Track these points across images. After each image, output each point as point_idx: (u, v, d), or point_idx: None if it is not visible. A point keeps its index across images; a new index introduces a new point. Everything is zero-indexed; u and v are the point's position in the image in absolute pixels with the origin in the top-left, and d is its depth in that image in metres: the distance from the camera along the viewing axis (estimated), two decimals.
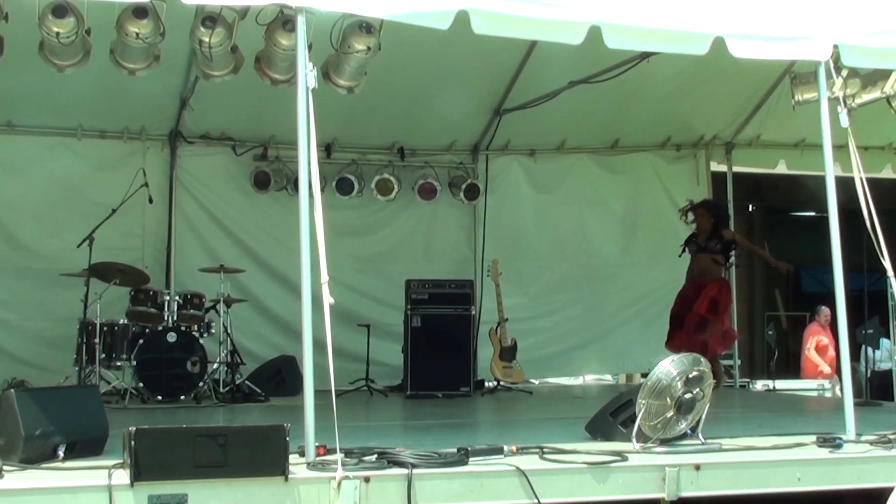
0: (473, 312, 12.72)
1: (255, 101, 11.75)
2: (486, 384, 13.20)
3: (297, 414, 6.68)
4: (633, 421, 7.10)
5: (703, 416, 7.29)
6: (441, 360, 12.30)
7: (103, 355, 11.41)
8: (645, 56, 10.44)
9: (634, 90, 12.16)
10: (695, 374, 7.13)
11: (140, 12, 8.03)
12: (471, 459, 6.44)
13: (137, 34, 8.17)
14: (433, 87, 12.22)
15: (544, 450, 6.77)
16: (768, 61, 8.37)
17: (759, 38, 7.83)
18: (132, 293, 11.79)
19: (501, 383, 12.97)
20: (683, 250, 13.14)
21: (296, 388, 11.40)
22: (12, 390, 6.93)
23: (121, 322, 11.61)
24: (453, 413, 10.85)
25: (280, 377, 12.19)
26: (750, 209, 21.20)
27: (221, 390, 11.67)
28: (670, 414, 7.11)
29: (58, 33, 8.03)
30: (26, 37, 8.43)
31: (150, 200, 12.26)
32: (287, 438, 6.11)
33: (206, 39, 8.33)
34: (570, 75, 11.70)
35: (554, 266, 14.25)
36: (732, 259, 13.17)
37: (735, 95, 13.20)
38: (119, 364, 11.59)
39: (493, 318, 13.01)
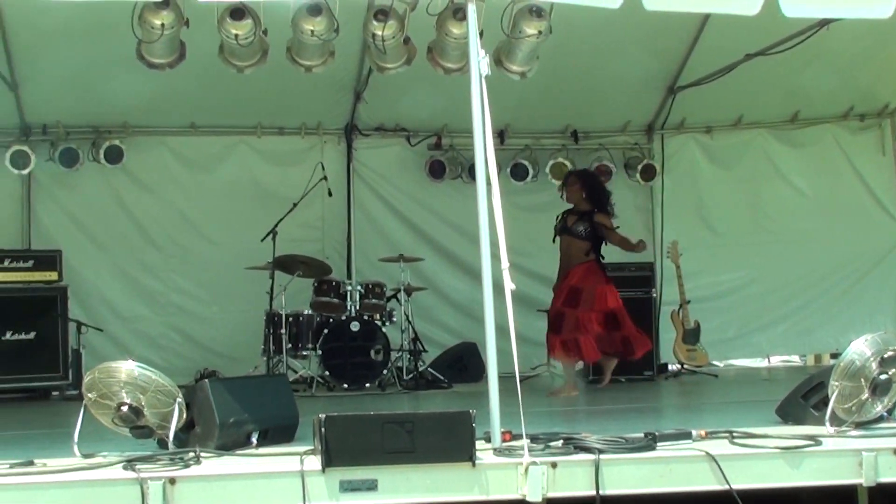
0: (654, 295, 12.60)
1: (427, 91, 11.83)
2: (670, 368, 13.05)
3: (481, 400, 6.71)
4: (826, 404, 6.89)
5: None
6: None
7: (290, 345, 11.74)
8: (824, 23, 10.13)
9: (813, 59, 11.78)
10: (890, 354, 6.88)
11: (314, 10, 8.16)
12: (658, 444, 6.36)
13: (312, 31, 8.31)
14: (605, 68, 12.12)
15: (734, 434, 6.63)
16: None
17: None
18: (315, 284, 12.07)
19: (685, 366, 12.81)
20: (556, 234, 11.09)
21: (478, 374, 11.53)
22: (207, 380, 7.16)
23: (305, 312, 11.92)
24: (637, 397, 10.74)
25: (462, 363, 12.30)
26: None
27: (405, 377, 11.85)
28: (865, 396, 6.89)
29: (236, 35, 8.25)
30: (206, 41, 8.67)
31: (330, 193, 12.55)
32: (473, 424, 6.14)
33: (379, 32, 8.43)
34: (745, 48, 11.45)
35: (735, 245, 13.93)
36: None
37: None
38: (305, 353, 11.91)
39: (674, 299, 12.87)
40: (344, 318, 11.84)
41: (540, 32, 8.34)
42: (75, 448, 6.60)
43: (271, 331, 11.75)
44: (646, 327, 12.17)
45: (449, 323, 13.34)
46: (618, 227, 10.95)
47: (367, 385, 11.57)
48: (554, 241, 11.09)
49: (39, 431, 9.03)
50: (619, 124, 13.80)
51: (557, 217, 11.12)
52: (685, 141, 14.00)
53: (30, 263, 11.64)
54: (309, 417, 6.57)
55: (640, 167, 13.60)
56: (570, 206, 11.00)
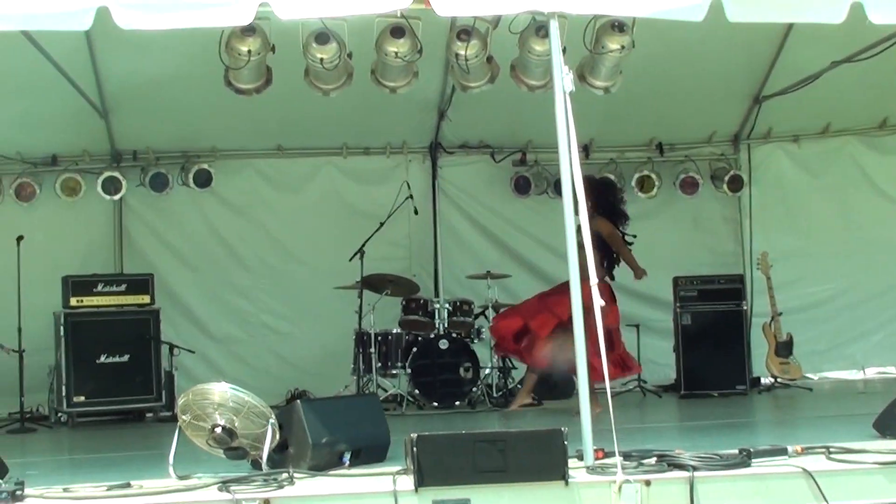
0: (745, 307, 12.44)
1: (511, 108, 11.83)
2: (763, 381, 12.86)
3: (570, 417, 6.71)
4: None
5: None
6: (714, 358, 12.07)
7: (379, 364, 11.80)
8: None
9: None
10: None
11: (397, 32, 8.23)
12: (753, 461, 6.32)
13: (396, 53, 8.39)
14: (689, 80, 12.03)
15: (831, 449, 6.56)
16: None
17: None
18: (403, 302, 12.14)
19: (778, 380, 12.62)
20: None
21: (568, 390, 11.48)
22: (299, 401, 7.24)
23: (394, 331, 11.97)
24: (730, 412, 10.64)
25: (552, 380, 12.24)
26: None
27: (494, 395, 11.85)
28: None
29: (321, 59, 8.36)
30: (292, 64, 8.78)
31: (416, 212, 12.63)
32: (565, 442, 6.15)
33: (462, 52, 8.48)
34: (831, 55, 11.28)
35: (826, 255, 13.67)
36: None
37: None
38: (394, 372, 11.94)
39: (765, 312, 12.72)
40: (432, 335, 11.87)
41: (623, 47, 8.35)
42: (171, 470, 6.70)
43: (361, 350, 11.81)
44: (737, 340, 12.10)
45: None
46: (632, 243, 10.91)
47: (457, 403, 11.59)
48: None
49: (135, 453, 9.17)
50: (704, 135, 13.67)
51: None
52: (772, 150, 13.83)
53: (123, 287, 11.81)
54: (399, 436, 6.62)
55: (727, 178, 13.45)
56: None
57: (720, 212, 13.86)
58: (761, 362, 12.61)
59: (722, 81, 12.37)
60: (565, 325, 9.70)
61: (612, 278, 10.73)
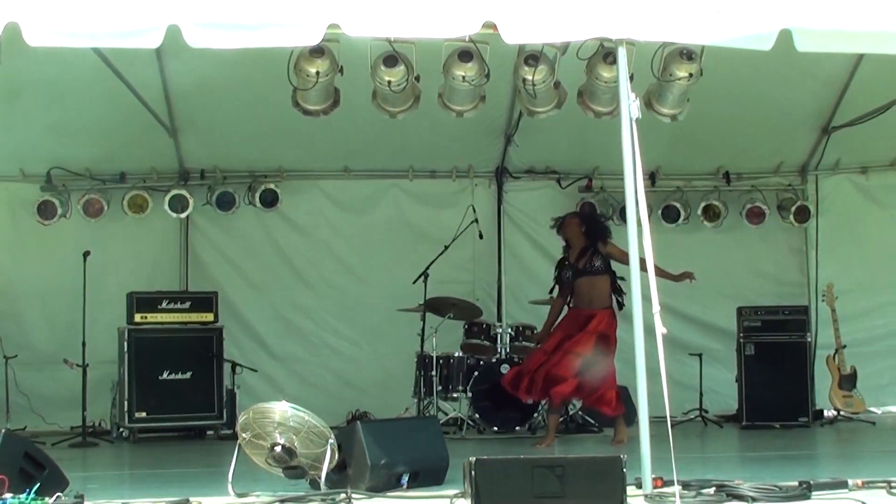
0: (809, 339, 12.34)
1: (577, 134, 11.83)
2: (826, 414, 12.72)
3: (632, 444, 6.70)
4: None
5: None
6: (777, 389, 11.94)
7: (440, 387, 11.79)
8: None
9: None
10: None
11: (465, 56, 8.27)
12: (813, 493, 6.26)
13: (463, 77, 8.41)
14: (757, 109, 11.95)
15: (892, 484, 6.48)
16: None
17: None
18: (466, 326, 12.14)
19: (841, 413, 12.48)
20: (554, 285, 11.13)
21: (629, 418, 11.39)
22: (359, 422, 7.28)
23: (456, 355, 11.97)
24: (791, 444, 10.54)
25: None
26: None
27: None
28: None
29: (389, 82, 8.41)
30: (360, 86, 8.84)
31: (480, 236, 12.64)
32: (624, 470, 6.12)
33: (530, 77, 8.50)
34: None
35: (892, 287, 13.45)
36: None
37: None
38: (455, 395, 11.93)
39: (829, 344, 12.58)
40: (494, 360, 11.86)
41: (690, 75, 8.33)
42: (230, 487, 6.75)
43: (422, 372, 11.83)
44: (800, 372, 11.99)
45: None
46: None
47: (517, 428, 11.57)
48: (551, 293, 11.29)
49: (195, 470, 9.25)
50: (772, 165, 13.56)
51: (558, 268, 11.08)
52: (840, 182, 13.69)
53: (187, 305, 11.93)
54: (458, 460, 6.62)
55: (793, 209, 13.34)
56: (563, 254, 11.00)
57: (786, 242, 13.74)
58: (824, 394, 12.48)
59: (790, 111, 12.28)
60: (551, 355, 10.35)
61: (621, 306, 10.64)
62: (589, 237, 10.79)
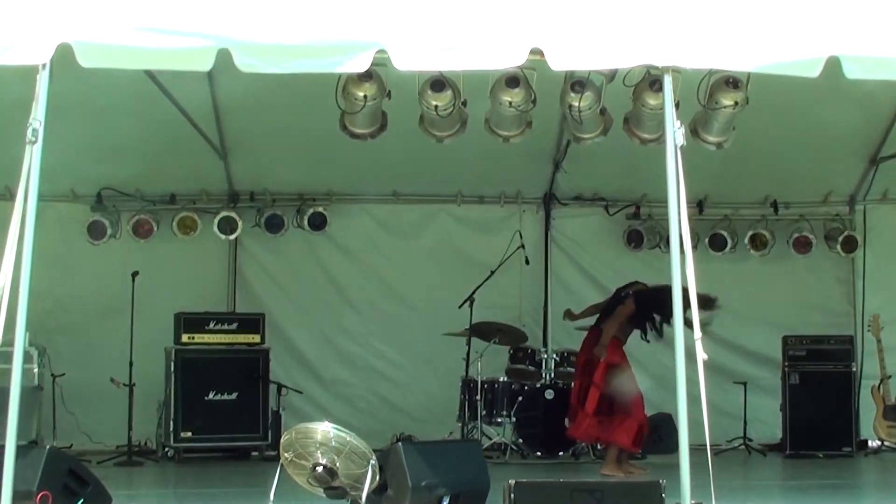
0: (854, 369, 12.31)
1: (625, 161, 11.80)
2: (870, 444, 12.65)
3: (674, 472, 6.67)
4: None
5: None
6: (822, 419, 11.95)
7: (484, 411, 11.81)
8: None
9: None
10: None
11: (512, 81, 8.31)
12: None
13: (510, 103, 8.43)
14: (804, 138, 11.93)
15: None
16: None
17: None
18: (511, 351, 12.18)
19: (886, 443, 12.40)
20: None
21: (673, 445, 11.29)
22: (400, 443, 7.31)
23: (501, 380, 12.01)
24: (835, 474, 10.50)
25: (657, 434, 12.12)
26: None
27: (599, 447, 11.78)
28: None
29: (436, 106, 8.44)
30: (409, 111, 8.91)
31: (527, 262, 12.69)
32: (663, 494, 6.13)
33: (576, 104, 8.51)
34: None
35: None
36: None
37: None
38: (499, 420, 11.98)
39: (875, 374, 12.49)
40: (539, 385, 11.91)
41: (736, 103, 8.31)
42: None
43: (466, 397, 11.87)
44: (845, 402, 11.94)
45: (645, 392, 13.17)
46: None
47: (561, 454, 11.57)
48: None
49: (238, 490, 9.33)
50: (819, 195, 13.52)
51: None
52: (889, 212, 13.59)
53: (234, 326, 12.05)
54: (501, 484, 6.64)
55: (840, 238, 13.28)
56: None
57: (833, 272, 13.68)
58: (869, 425, 12.41)
59: (839, 141, 12.24)
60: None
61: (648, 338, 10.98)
62: (635, 322, 10.91)
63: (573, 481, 6.41)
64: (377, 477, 6.91)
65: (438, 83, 8.32)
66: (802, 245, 13.33)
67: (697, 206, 13.09)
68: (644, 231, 13.33)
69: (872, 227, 13.56)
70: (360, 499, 6.81)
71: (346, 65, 7.00)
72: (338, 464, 6.86)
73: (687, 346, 6.66)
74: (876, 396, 12.39)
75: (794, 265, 13.51)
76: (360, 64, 6.92)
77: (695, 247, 12.88)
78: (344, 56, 6.88)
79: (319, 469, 6.86)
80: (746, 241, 13.30)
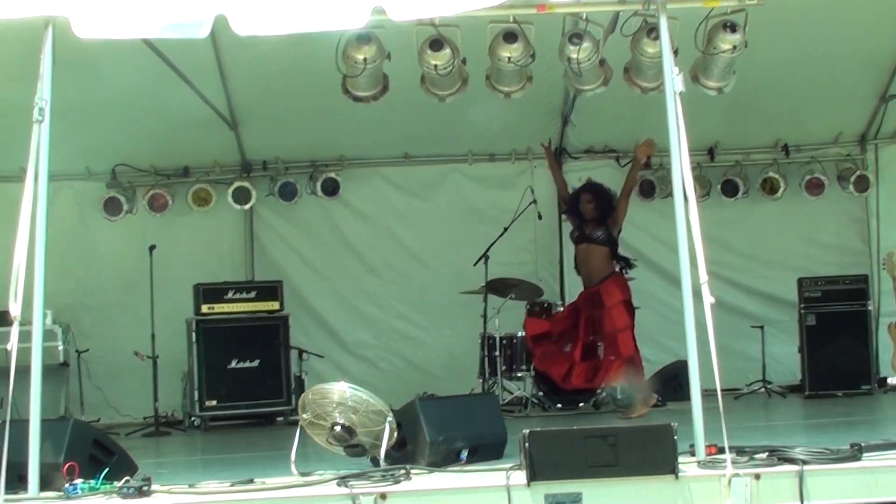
0: (870, 308, 12.34)
1: (634, 112, 11.78)
2: (889, 381, 12.71)
3: (685, 416, 6.77)
4: None
5: None
6: (839, 358, 11.99)
7: (504, 367, 11.89)
8: None
9: None
10: None
11: (510, 37, 8.35)
12: (865, 455, 6.30)
13: (509, 58, 8.48)
14: (813, 80, 11.87)
15: None
16: None
17: None
18: (528, 306, 12.22)
19: None
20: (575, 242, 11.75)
21: (677, 392, 11.46)
22: (417, 400, 7.41)
23: (519, 334, 12.05)
24: (852, 411, 10.55)
25: (677, 382, 12.17)
26: None
27: (619, 396, 11.84)
28: None
29: (435, 66, 8.51)
30: (416, 73, 8.96)
31: (539, 216, 12.69)
32: (675, 437, 6.21)
33: (574, 55, 8.55)
34: None
35: None
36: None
37: None
38: (520, 374, 12.06)
39: (891, 311, 12.51)
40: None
41: (734, 47, 8.33)
42: (293, 467, 6.91)
43: (486, 353, 11.94)
44: (862, 341, 11.98)
45: (663, 341, 13.21)
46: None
47: (581, 405, 11.65)
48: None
49: (263, 454, 9.44)
50: (830, 136, 13.50)
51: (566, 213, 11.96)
52: None
53: (253, 294, 12.15)
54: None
55: (853, 178, 13.25)
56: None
57: (846, 212, 13.68)
58: (887, 362, 12.44)
59: (847, 81, 12.18)
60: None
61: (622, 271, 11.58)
62: (599, 212, 11.40)
63: (586, 428, 6.45)
64: (395, 433, 7.02)
65: (437, 42, 8.39)
66: (815, 187, 13.32)
67: (709, 153, 13.15)
68: (656, 181, 13.34)
69: (885, 166, 13.54)
70: (380, 455, 6.91)
71: (342, 23, 7.02)
72: (356, 422, 6.97)
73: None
74: (893, 334, 12.38)
75: (807, 207, 13.52)
76: (356, 21, 6.95)
77: (707, 194, 13.09)
78: (340, 15, 6.90)
79: (338, 428, 6.97)
80: (758, 185, 13.32)
